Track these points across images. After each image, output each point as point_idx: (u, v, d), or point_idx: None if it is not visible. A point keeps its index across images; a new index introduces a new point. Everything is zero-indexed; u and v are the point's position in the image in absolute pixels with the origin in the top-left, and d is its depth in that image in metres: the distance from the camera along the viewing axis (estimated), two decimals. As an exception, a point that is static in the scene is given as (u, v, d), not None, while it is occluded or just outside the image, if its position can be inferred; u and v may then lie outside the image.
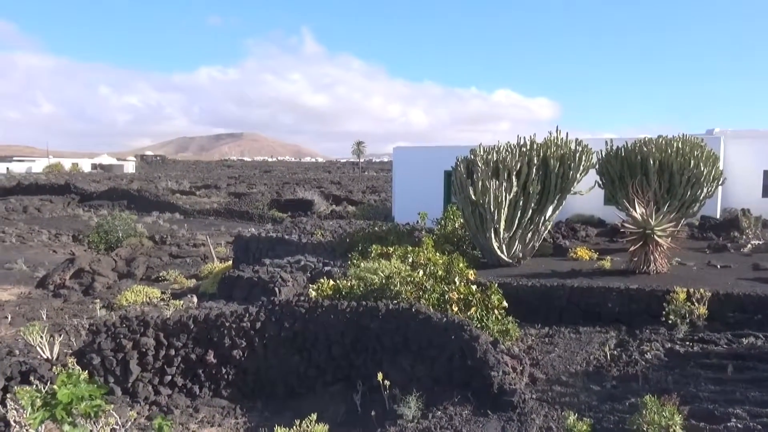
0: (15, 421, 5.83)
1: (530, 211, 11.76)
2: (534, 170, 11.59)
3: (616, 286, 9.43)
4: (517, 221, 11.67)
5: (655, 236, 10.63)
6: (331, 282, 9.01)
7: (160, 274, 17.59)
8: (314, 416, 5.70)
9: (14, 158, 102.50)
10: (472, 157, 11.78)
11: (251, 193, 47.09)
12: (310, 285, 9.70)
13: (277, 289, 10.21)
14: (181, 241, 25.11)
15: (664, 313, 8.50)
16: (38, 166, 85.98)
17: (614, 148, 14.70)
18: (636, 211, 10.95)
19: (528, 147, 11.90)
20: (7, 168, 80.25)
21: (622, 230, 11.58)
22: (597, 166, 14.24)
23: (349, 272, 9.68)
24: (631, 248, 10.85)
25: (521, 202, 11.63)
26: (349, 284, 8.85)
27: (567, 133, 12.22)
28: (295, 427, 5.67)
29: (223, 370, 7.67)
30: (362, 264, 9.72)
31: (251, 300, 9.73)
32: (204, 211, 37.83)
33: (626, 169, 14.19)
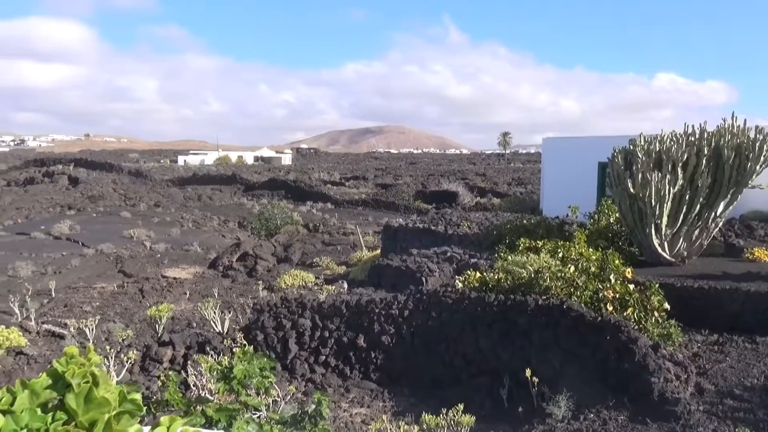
0: (194, 385, 6.56)
1: (698, 206, 10.72)
2: (704, 161, 10.54)
3: (805, 292, 8.32)
4: (682, 217, 10.72)
5: None
6: (478, 274, 8.96)
7: (314, 260, 18.71)
8: (461, 406, 5.73)
9: (190, 152, 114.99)
10: (631, 147, 11.00)
11: (397, 184, 48.24)
12: (457, 276, 9.73)
13: (424, 278, 10.37)
14: (332, 229, 26.50)
15: None
16: (210, 158, 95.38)
17: (804, 135, 12.89)
18: (832, 207, 9.55)
19: (697, 136, 10.85)
20: (185, 161, 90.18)
21: (812, 229, 10.14)
22: (782, 157, 12.60)
23: (495, 265, 9.56)
24: (824, 250, 9.49)
25: (687, 197, 10.65)
26: (496, 277, 8.75)
27: (745, 120, 10.95)
28: (441, 415, 5.74)
29: (373, 355, 7.98)
30: (510, 257, 9.54)
31: (399, 288, 10.00)
32: (353, 201, 39.53)
33: (819, 160, 12.39)
